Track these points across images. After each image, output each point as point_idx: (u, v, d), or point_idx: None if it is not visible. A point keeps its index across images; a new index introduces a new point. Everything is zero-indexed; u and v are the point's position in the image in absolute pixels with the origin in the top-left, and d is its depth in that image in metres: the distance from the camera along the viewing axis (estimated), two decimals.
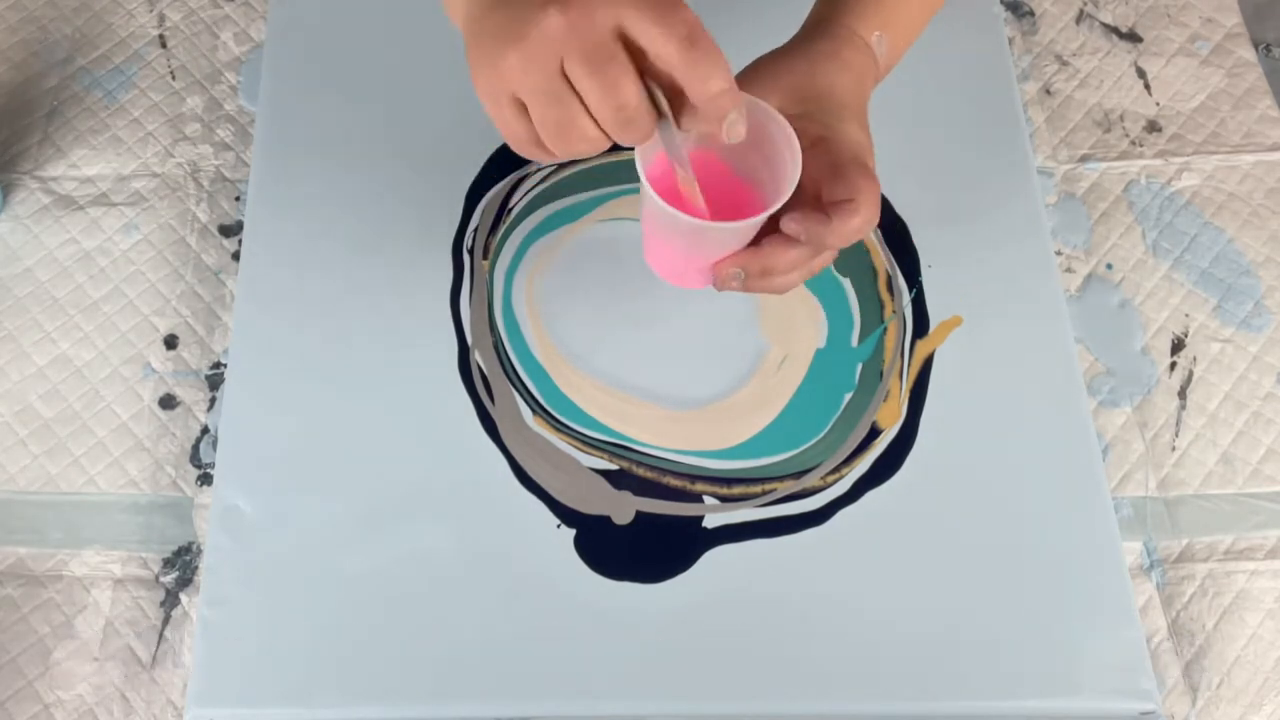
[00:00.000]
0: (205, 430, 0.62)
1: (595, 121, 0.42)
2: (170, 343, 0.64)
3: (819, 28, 0.52)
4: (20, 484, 0.60)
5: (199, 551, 0.59)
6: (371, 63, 0.71)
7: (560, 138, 0.43)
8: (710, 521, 0.58)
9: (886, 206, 0.66)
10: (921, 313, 0.63)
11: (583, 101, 0.42)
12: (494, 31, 0.43)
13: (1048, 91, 0.72)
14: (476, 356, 0.62)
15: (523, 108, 0.44)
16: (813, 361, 0.62)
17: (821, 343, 0.62)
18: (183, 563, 0.58)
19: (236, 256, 0.66)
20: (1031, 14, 0.75)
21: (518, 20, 0.42)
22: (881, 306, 0.63)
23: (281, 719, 0.54)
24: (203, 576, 0.57)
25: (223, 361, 0.63)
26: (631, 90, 0.41)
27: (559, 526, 0.57)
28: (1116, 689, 0.54)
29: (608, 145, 0.44)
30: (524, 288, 0.64)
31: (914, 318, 0.63)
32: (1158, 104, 0.71)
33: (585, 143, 0.43)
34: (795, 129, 0.47)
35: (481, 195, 0.67)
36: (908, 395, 0.61)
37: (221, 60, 0.73)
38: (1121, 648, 0.55)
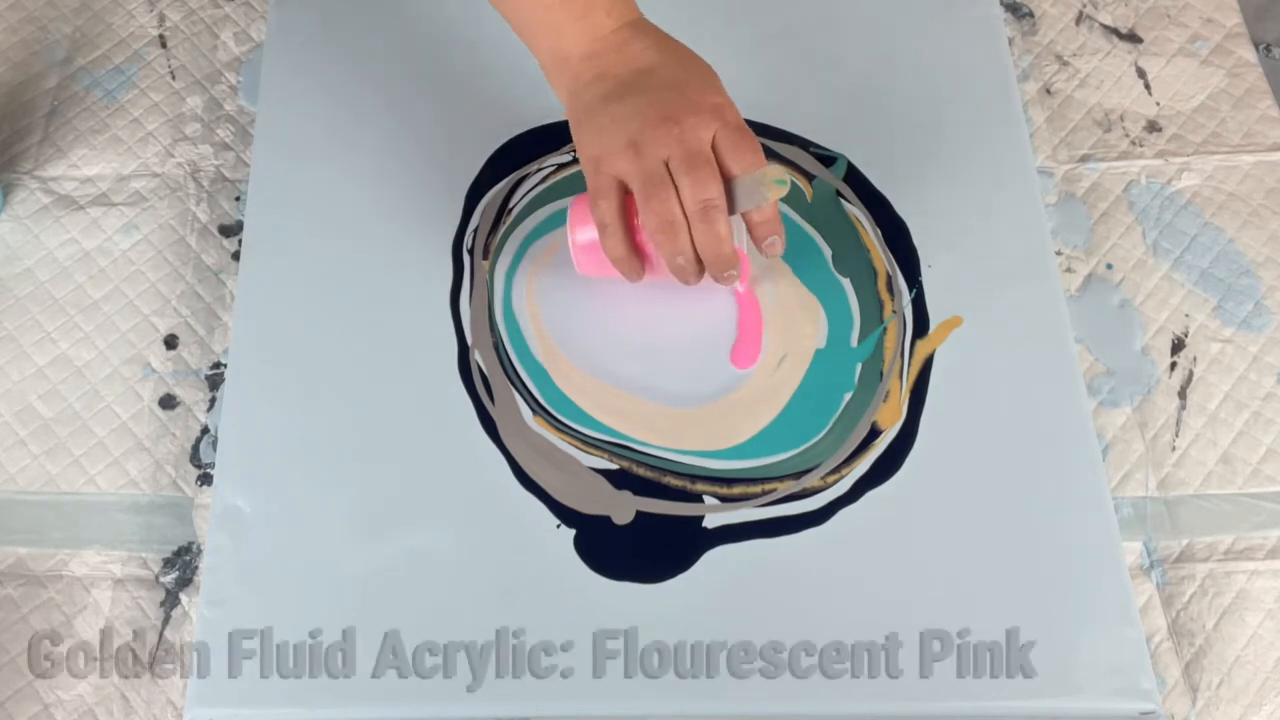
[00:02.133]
0: (205, 430, 0.62)
1: (683, 208, 0.53)
2: (170, 343, 0.64)
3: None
4: (20, 484, 0.60)
5: (199, 551, 0.59)
6: (371, 63, 0.71)
7: (652, 213, 0.54)
8: (710, 521, 0.58)
9: (886, 206, 0.66)
10: (921, 313, 0.63)
11: (677, 192, 0.53)
12: (615, 123, 0.54)
13: (1048, 91, 0.72)
14: (476, 356, 0.62)
15: (622, 188, 0.55)
16: (812, 361, 0.62)
17: (821, 343, 0.62)
18: (183, 563, 0.58)
19: (236, 256, 0.66)
20: (1031, 15, 0.75)
21: (637, 120, 0.54)
22: (881, 306, 0.63)
23: (281, 719, 0.54)
24: (203, 576, 0.57)
25: (223, 361, 0.63)
26: (715, 189, 0.53)
27: (559, 526, 0.57)
28: (1116, 689, 0.54)
29: (686, 237, 0.54)
30: (524, 288, 0.64)
31: (914, 318, 0.63)
32: (1158, 104, 0.71)
33: (672, 224, 0.54)
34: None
35: (481, 195, 0.67)
36: (908, 395, 0.61)
37: (221, 60, 0.73)
38: (1121, 648, 0.55)
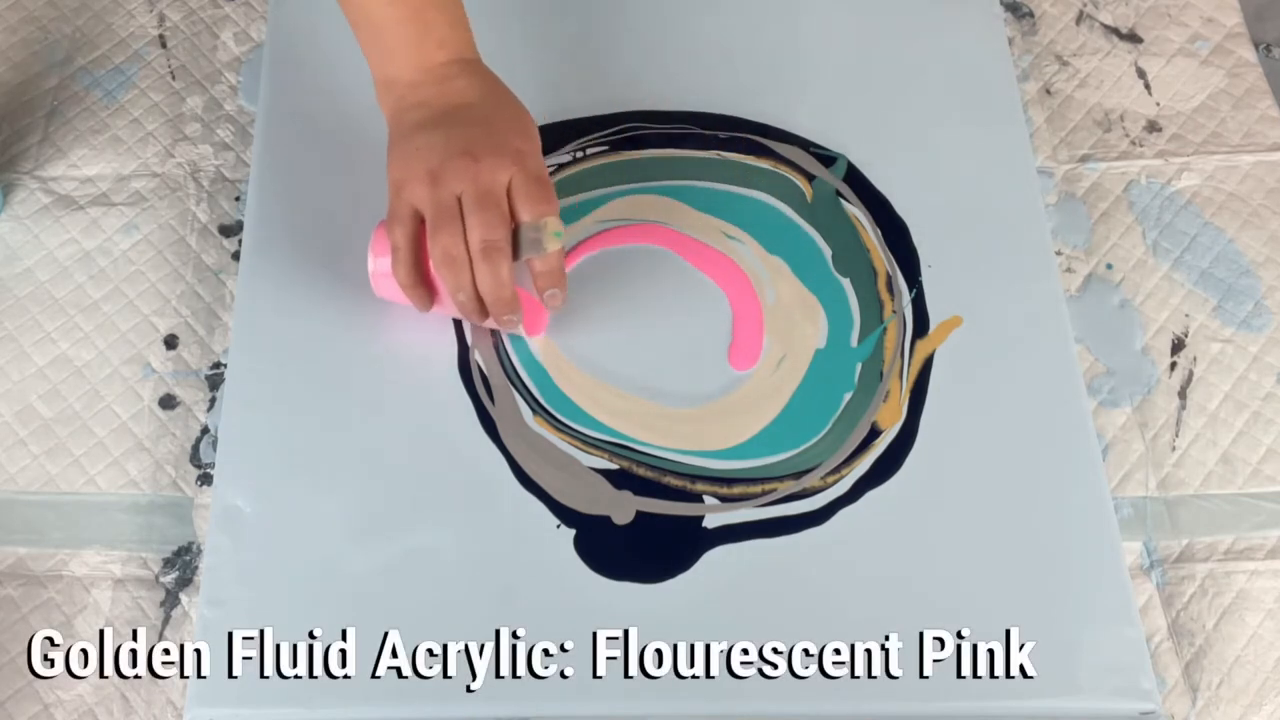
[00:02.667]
0: (205, 430, 0.62)
1: (466, 246, 0.54)
2: (170, 343, 0.64)
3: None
4: (20, 484, 0.60)
5: (199, 551, 0.59)
6: None
7: (438, 246, 0.54)
8: (710, 521, 0.58)
9: (886, 206, 0.66)
10: (921, 313, 0.63)
11: (464, 227, 0.54)
12: (419, 151, 0.55)
13: (1048, 91, 0.72)
14: (476, 356, 0.62)
15: (417, 216, 0.55)
16: (812, 361, 0.62)
17: (821, 343, 0.62)
18: (183, 563, 0.58)
19: (236, 256, 0.66)
20: (1031, 15, 0.75)
21: (440, 152, 0.55)
22: (881, 306, 0.63)
23: (281, 719, 0.54)
24: (203, 576, 0.57)
25: (223, 361, 0.63)
26: (500, 231, 0.54)
27: (559, 526, 0.57)
28: (1116, 689, 0.54)
29: (467, 274, 0.54)
30: None
31: (914, 318, 0.63)
32: (1158, 104, 0.71)
33: (455, 259, 0.54)
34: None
35: None
36: (908, 395, 0.61)
37: (221, 60, 0.73)
38: (1121, 648, 0.55)
